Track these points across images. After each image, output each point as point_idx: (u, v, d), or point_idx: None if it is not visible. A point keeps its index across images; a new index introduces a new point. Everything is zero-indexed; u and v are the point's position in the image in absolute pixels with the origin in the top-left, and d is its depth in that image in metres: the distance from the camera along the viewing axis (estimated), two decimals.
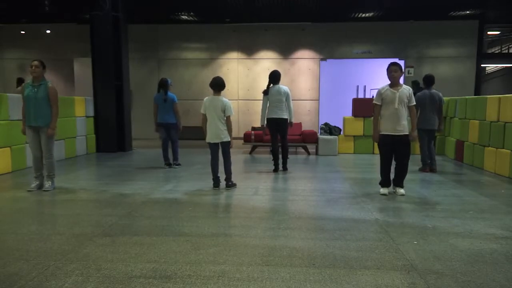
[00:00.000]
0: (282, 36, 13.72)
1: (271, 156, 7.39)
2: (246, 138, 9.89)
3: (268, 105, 6.99)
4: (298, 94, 13.68)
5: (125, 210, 4.53)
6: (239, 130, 13.21)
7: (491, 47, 20.31)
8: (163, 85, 7.39)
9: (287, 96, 6.97)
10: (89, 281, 2.75)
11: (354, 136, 9.90)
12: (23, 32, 14.40)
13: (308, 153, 9.87)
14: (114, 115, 9.98)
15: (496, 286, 2.70)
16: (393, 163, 5.36)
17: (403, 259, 3.14)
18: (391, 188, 5.44)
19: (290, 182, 6.32)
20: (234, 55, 13.96)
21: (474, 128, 7.73)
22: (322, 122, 11.54)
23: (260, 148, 10.31)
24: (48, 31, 14.25)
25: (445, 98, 7.87)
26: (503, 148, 6.77)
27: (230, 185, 5.75)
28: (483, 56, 14.12)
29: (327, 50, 13.74)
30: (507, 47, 19.88)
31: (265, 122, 7.08)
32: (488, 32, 16.31)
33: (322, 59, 13.76)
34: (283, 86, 7.01)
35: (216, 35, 13.87)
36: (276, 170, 7.09)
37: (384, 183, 5.42)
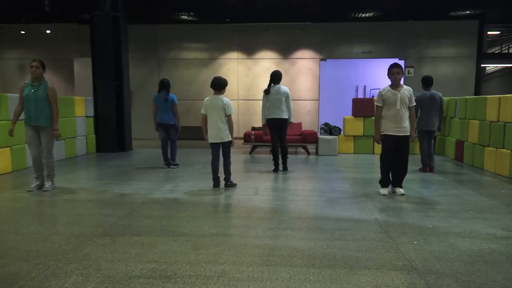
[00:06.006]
0: (282, 36, 13.72)
1: (271, 156, 7.40)
2: (246, 138, 9.89)
3: (268, 104, 7.00)
4: (298, 94, 13.68)
5: (125, 210, 4.53)
6: (239, 130, 13.21)
7: (491, 47, 20.31)
8: (166, 86, 7.40)
9: (286, 96, 6.97)
10: (89, 281, 2.76)
11: (354, 136, 9.90)
12: (23, 32, 14.40)
13: (308, 153, 9.87)
14: (114, 115, 9.98)
15: (496, 286, 2.70)
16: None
17: (403, 259, 3.14)
18: (390, 188, 5.45)
19: (290, 182, 6.32)
20: (234, 55, 13.96)
21: (474, 128, 7.73)
22: (322, 122, 11.55)
23: (260, 148, 10.31)
24: (48, 31, 14.25)
25: (445, 98, 7.87)
26: (503, 148, 6.77)
27: (229, 184, 5.75)
28: (483, 56, 14.11)
29: (327, 50, 13.74)
30: (507, 47, 19.88)
31: (266, 121, 7.09)
32: (488, 32, 16.31)
33: (322, 59, 13.76)
34: (283, 86, 7.02)
35: (216, 35, 13.87)
36: (276, 170, 7.09)
37: (384, 183, 5.42)
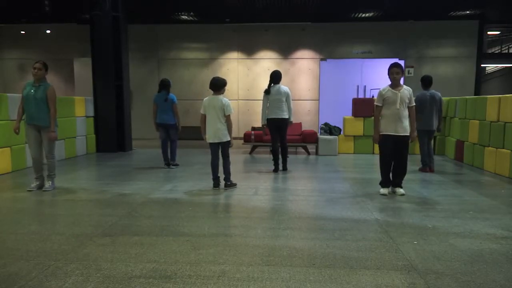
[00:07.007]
0: (282, 36, 13.72)
1: (271, 156, 7.40)
2: (246, 138, 9.89)
3: (268, 105, 7.00)
4: (298, 94, 13.68)
5: (125, 210, 4.53)
6: (239, 130, 13.21)
7: (491, 47, 20.30)
8: (166, 86, 7.40)
9: (287, 96, 6.98)
10: (89, 281, 2.76)
11: (354, 136, 9.90)
12: (23, 32, 14.40)
13: (308, 153, 9.87)
14: (114, 115, 9.98)
15: (496, 286, 2.70)
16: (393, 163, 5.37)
17: (403, 259, 3.14)
18: (390, 188, 5.44)
19: (290, 182, 6.32)
20: (234, 55, 13.96)
21: (474, 128, 7.73)
22: (322, 122, 11.55)
23: (260, 148, 10.31)
24: (48, 31, 14.25)
25: (445, 98, 7.88)
26: (503, 148, 6.77)
27: (228, 184, 5.75)
28: (483, 56, 14.11)
29: (327, 50, 13.74)
30: (507, 47, 19.89)
31: (266, 121, 7.09)
32: (488, 32, 16.31)
33: (322, 59, 13.76)
34: (283, 86, 7.02)
35: (216, 35, 13.87)
36: (276, 170, 7.09)
37: (384, 183, 5.42)
